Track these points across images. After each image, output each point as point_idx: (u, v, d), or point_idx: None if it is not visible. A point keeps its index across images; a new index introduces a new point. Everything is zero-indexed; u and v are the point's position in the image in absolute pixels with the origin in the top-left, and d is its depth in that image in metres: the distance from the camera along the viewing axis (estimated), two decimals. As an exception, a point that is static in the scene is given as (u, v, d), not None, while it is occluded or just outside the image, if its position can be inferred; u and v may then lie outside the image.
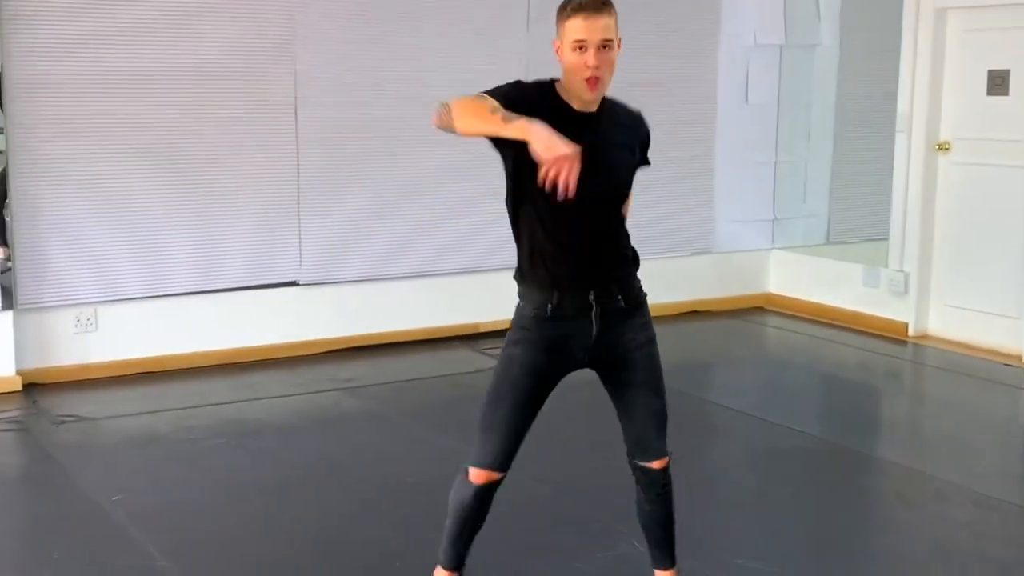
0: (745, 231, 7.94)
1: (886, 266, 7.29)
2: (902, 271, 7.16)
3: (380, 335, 6.78)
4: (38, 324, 5.90)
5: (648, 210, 7.37)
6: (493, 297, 7.04)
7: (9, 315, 5.78)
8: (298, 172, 6.47)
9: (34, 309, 5.88)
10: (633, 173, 3.18)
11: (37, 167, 5.84)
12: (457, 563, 3.27)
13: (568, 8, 2.95)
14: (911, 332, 7.13)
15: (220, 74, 6.21)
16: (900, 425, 6.03)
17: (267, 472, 4.79)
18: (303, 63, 6.42)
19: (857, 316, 7.43)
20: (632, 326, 3.10)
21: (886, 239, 7.37)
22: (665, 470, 3.22)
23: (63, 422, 5.37)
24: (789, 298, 7.92)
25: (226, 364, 6.32)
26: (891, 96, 7.30)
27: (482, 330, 7.06)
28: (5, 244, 5.83)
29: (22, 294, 5.83)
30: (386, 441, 5.25)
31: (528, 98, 2.92)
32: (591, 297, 3.03)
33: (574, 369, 3.14)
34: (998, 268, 6.71)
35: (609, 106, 3.07)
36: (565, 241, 3.02)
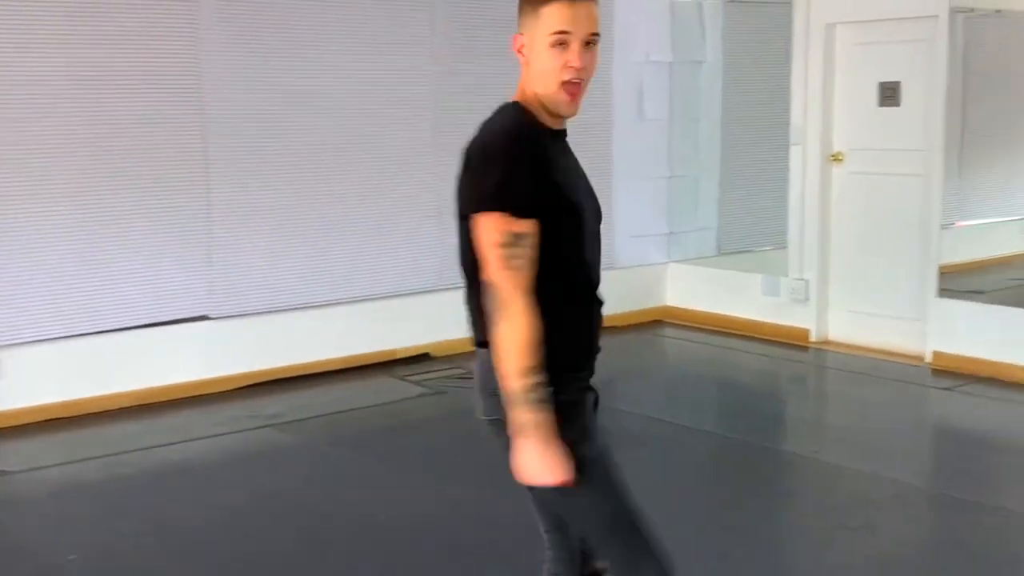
0: (643, 246, 8.03)
1: (786, 275, 7.49)
2: (802, 279, 7.36)
3: (296, 367, 6.55)
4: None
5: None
6: (408, 322, 6.94)
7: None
8: (208, 202, 6.20)
9: (-66, 357, 5.46)
10: None
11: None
12: None
13: None
14: (813, 338, 7.34)
15: (122, 104, 5.90)
16: (806, 423, 6.19)
17: (212, 516, 4.54)
18: (210, 91, 6.16)
19: (758, 325, 7.60)
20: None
21: (781, 248, 7.58)
22: None
23: (-15, 477, 4.99)
24: (688, 310, 8.04)
25: (141, 405, 5.99)
26: (775, 108, 7.53)
27: (399, 356, 6.91)
28: None
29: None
30: (326, 477, 5.06)
31: (535, 179, 2.27)
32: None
33: None
34: (896, 273, 6.97)
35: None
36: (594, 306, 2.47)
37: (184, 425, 5.76)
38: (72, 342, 5.84)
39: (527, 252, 2.22)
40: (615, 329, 7.83)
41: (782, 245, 7.64)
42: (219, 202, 6.24)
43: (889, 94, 6.94)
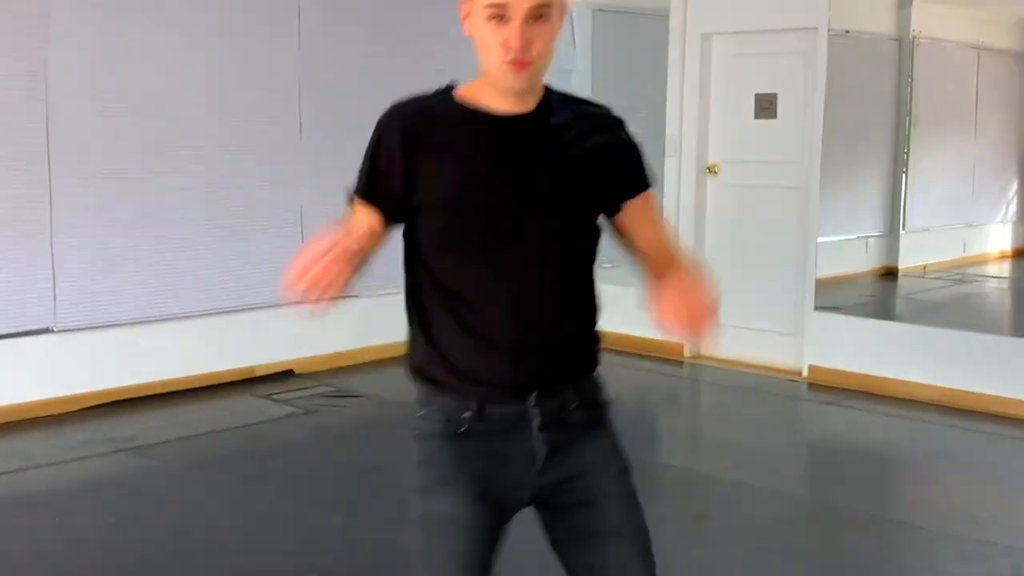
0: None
1: (661, 288, 7.33)
2: (677, 293, 7.22)
3: (150, 384, 6.02)
4: None
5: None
6: (267, 337, 6.49)
7: None
8: (51, 207, 5.63)
9: None
10: (590, 203, 2.10)
11: None
12: None
13: None
14: (687, 353, 7.21)
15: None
16: (679, 436, 6.07)
17: (67, 549, 4.03)
18: (57, 96, 5.59)
19: (631, 339, 7.41)
20: (595, 446, 2.12)
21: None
22: None
23: None
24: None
25: (-28, 429, 5.38)
26: (648, 119, 7.40)
27: (258, 373, 6.44)
28: None
29: None
30: (189, 505, 4.59)
31: (391, 154, 2.03)
32: (529, 402, 2.05)
33: (513, 514, 2.12)
34: (772, 287, 6.90)
35: (556, 104, 2.08)
36: (484, 315, 2.04)
37: (29, 450, 5.19)
38: None
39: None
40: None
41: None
42: (63, 205, 5.67)
43: (766, 106, 6.88)
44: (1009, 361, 5.96)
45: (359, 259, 2.02)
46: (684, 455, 5.58)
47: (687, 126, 7.12)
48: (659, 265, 2.13)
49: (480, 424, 2.03)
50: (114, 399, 5.85)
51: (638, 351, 7.34)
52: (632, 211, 2.13)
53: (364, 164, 2.09)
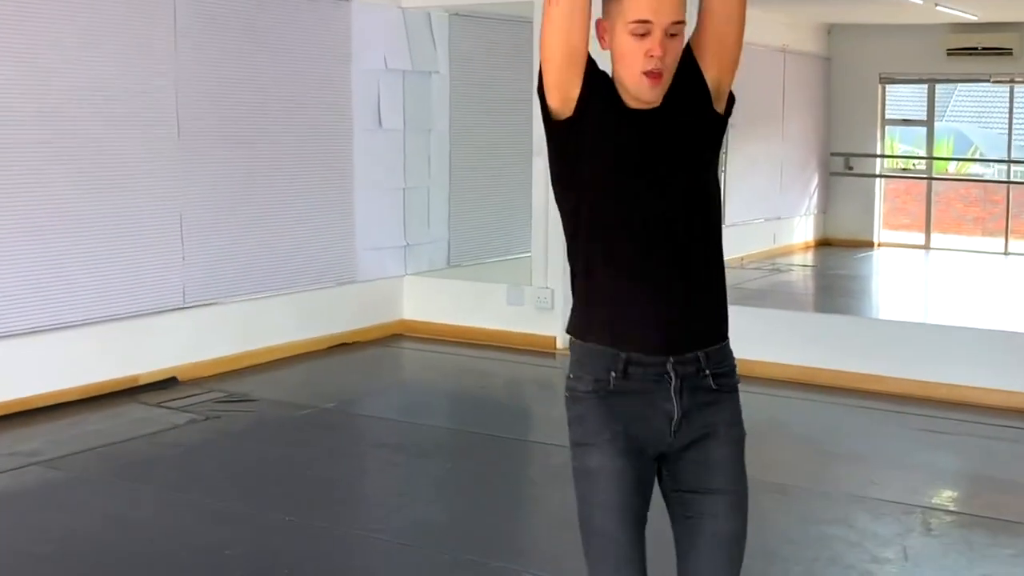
0: (382, 258, 7.84)
1: (530, 284, 7.57)
2: (547, 287, 7.48)
3: (32, 398, 5.80)
4: None
5: (288, 241, 7.07)
6: (149, 344, 6.36)
7: None
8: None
9: None
10: (707, 143, 2.29)
11: None
12: None
13: None
14: (559, 345, 7.47)
15: None
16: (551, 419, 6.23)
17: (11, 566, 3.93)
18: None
19: (503, 334, 7.63)
20: (721, 412, 2.29)
21: (519, 258, 7.67)
22: None
23: None
24: (427, 323, 7.93)
25: None
26: (508, 119, 7.64)
27: (142, 381, 6.30)
28: None
29: None
30: (127, 513, 4.53)
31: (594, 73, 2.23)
32: (668, 364, 2.23)
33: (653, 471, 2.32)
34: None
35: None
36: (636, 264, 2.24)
37: (-74, 470, 4.95)
38: None
39: None
40: (358, 344, 7.61)
41: (520, 254, 7.70)
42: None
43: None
44: (821, 334, 6.76)
45: None
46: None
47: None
48: None
49: (623, 382, 2.22)
50: (4, 413, 5.62)
51: (510, 345, 7.56)
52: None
53: None
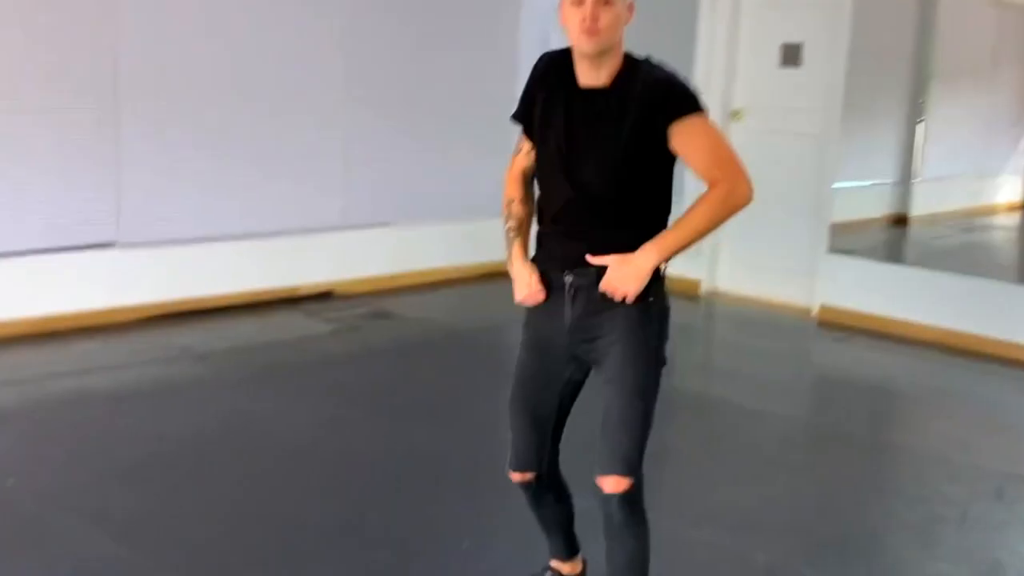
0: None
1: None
2: (694, 231, 7.58)
3: (202, 299, 6.42)
4: None
5: (448, 169, 7.45)
6: (310, 258, 6.88)
7: None
8: (118, 129, 6.00)
9: None
10: (638, 157, 2.65)
11: None
12: (557, 552, 3.15)
13: None
14: (703, 290, 7.60)
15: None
16: (694, 365, 6.35)
17: (149, 443, 4.45)
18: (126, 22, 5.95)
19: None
20: (612, 322, 2.73)
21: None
22: (620, 498, 2.70)
23: None
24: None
25: (37, 333, 5.78)
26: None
27: (301, 293, 6.85)
28: None
29: None
30: (259, 409, 4.99)
31: (530, 92, 2.79)
32: (567, 276, 2.76)
33: (566, 365, 2.86)
34: (788, 229, 7.26)
35: (629, 80, 2.64)
36: (557, 221, 2.81)
37: (93, 353, 5.61)
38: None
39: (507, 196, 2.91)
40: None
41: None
42: (130, 127, 6.04)
43: (791, 55, 7.20)
44: (1012, 307, 6.36)
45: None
46: (698, 381, 5.94)
47: (715, 73, 7.43)
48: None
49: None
50: (171, 311, 6.26)
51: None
52: (677, 138, 2.65)
53: (519, 103, 2.85)
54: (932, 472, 4.59)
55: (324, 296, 6.91)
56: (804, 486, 4.43)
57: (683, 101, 2.63)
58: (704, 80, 7.47)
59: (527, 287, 2.79)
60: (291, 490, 4.04)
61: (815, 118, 7.13)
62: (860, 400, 5.70)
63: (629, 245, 2.68)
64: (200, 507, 3.87)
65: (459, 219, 7.59)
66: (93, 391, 5.08)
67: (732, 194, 2.71)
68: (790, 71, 7.24)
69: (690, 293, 7.58)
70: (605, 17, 2.59)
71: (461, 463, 4.35)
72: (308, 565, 3.43)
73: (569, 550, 3.14)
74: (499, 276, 2.76)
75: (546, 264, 2.80)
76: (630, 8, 2.67)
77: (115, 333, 5.94)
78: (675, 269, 2.88)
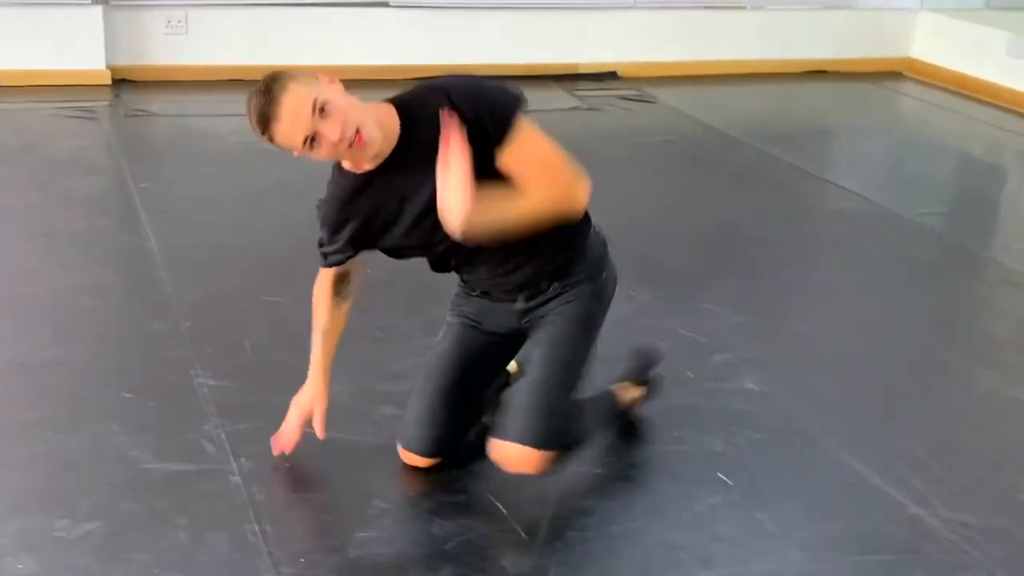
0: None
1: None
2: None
3: (475, 67, 6.67)
4: (129, 22, 6.11)
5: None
6: (595, 35, 6.83)
7: (99, 10, 5.98)
8: None
9: (125, 7, 6.07)
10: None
11: None
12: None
13: (258, 134, 2.36)
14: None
15: None
16: None
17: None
18: None
19: (994, 89, 6.82)
20: (558, 307, 2.68)
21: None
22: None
23: (134, 115, 5.63)
24: (929, 64, 7.32)
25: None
26: None
27: (580, 71, 6.84)
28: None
29: (112, -9, 6.02)
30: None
31: (337, 226, 2.58)
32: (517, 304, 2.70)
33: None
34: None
35: (403, 138, 2.48)
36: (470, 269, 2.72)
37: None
38: (255, 10, 6.28)
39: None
40: (834, 75, 7.27)
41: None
42: None
43: None
44: None
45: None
46: None
47: None
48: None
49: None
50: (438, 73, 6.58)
51: (998, 102, 6.75)
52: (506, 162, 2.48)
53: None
54: None
55: (607, 76, 6.81)
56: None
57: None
58: None
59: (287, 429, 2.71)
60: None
61: None
62: None
63: (560, 247, 2.63)
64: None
65: (779, 8, 7.09)
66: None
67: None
68: None
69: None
70: (330, 126, 2.33)
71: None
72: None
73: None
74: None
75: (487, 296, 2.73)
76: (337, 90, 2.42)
77: (384, 89, 6.34)
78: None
